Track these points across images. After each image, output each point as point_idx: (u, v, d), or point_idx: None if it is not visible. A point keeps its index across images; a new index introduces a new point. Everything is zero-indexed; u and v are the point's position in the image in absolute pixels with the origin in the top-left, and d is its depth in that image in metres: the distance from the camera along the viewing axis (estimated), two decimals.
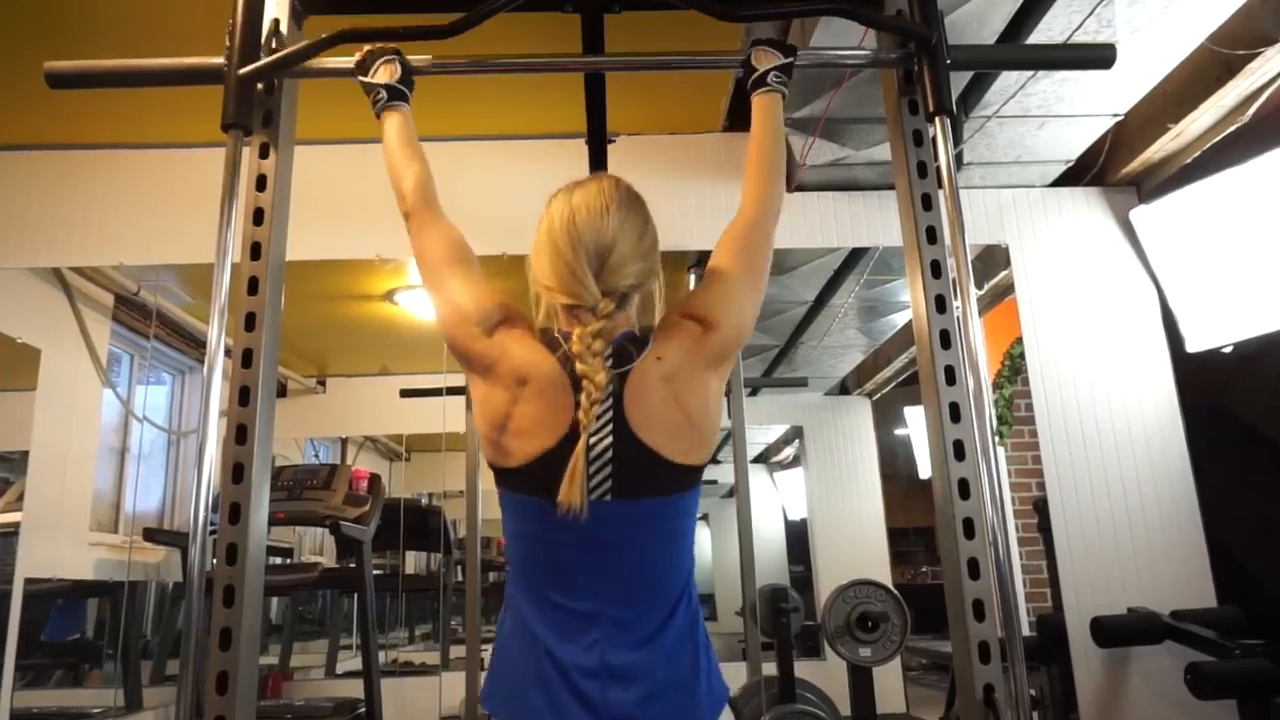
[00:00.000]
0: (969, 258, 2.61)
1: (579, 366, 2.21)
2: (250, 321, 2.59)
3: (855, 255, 6.07)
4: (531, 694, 2.20)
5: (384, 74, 2.74)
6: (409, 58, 2.81)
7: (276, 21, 2.86)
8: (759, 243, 2.48)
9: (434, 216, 2.54)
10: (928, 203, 2.74)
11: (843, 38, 3.86)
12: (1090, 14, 3.95)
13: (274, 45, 2.82)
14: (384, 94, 2.72)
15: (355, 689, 6.35)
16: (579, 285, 2.27)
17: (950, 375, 2.57)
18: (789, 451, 11.22)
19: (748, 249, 2.46)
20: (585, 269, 2.27)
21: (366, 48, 2.78)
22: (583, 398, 2.19)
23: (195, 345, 6.73)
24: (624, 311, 2.36)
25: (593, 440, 2.20)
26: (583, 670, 2.17)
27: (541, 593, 2.27)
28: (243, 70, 2.72)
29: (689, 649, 2.29)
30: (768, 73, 2.75)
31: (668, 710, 2.22)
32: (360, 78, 2.76)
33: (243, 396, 2.54)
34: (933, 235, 2.71)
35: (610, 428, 2.22)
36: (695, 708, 2.27)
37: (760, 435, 10.86)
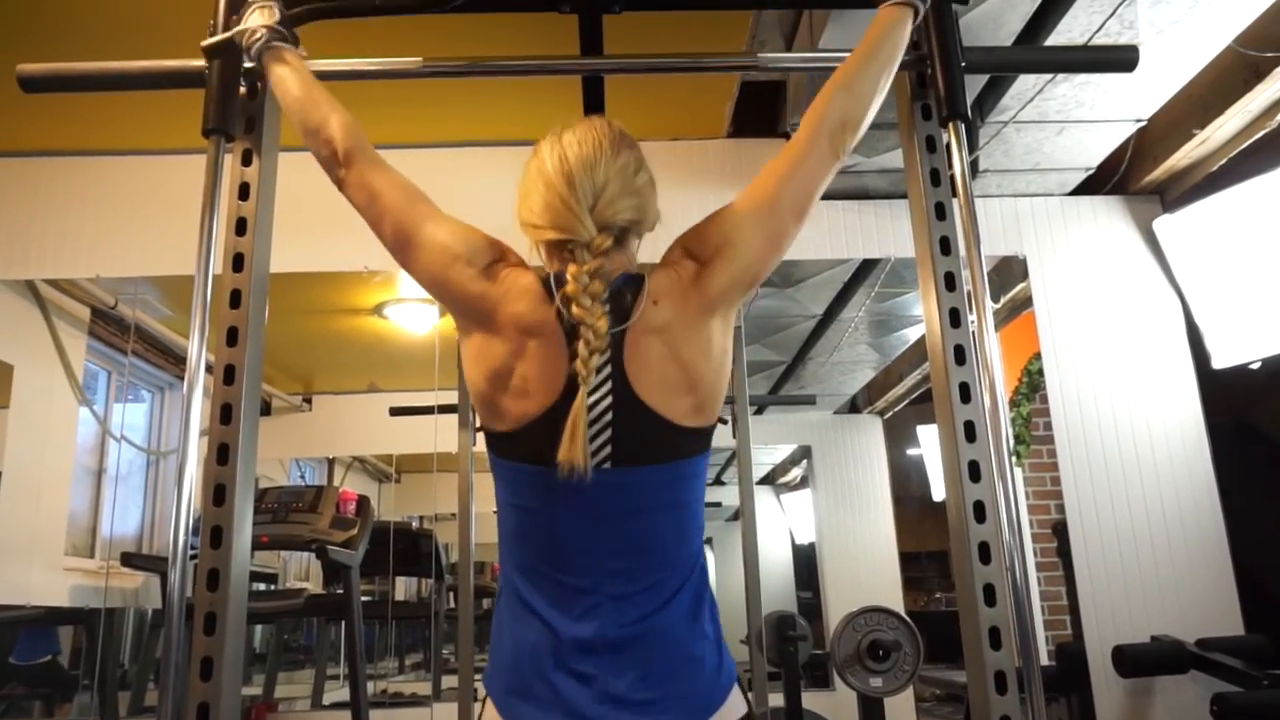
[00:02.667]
0: (985, 270, 2.61)
1: (575, 310, 2.11)
2: (232, 336, 2.59)
3: (866, 267, 6.07)
4: (525, 668, 2.14)
5: (260, 17, 2.59)
6: (395, 62, 2.79)
7: None
8: (801, 168, 2.32)
9: (377, 156, 2.39)
10: (941, 212, 2.74)
11: (853, 39, 3.85)
12: (1112, 15, 3.96)
13: None
14: (263, 34, 2.57)
15: None
16: (573, 219, 2.18)
17: (965, 393, 2.57)
18: (796, 472, 11.21)
19: (782, 173, 2.32)
20: (579, 202, 2.18)
21: None
22: (580, 346, 2.09)
23: (175, 361, 6.73)
24: (623, 252, 2.29)
25: (591, 399, 2.11)
26: (580, 644, 2.11)
27: (535, 568, 2.19)
28: (205, 43, 2.70)
29: (696, 627, 2.20)
30: None
31: (670, 690, 2.12)
32: (228, 30, 2.64)
33: (225, 415, 2.53)
34: (947, 246, 2.71)
35: (609, 386, 2.13)
36: (699, 686, 2.16)
37: (766, 455, 10.85)
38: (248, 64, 2.69)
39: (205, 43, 2.69)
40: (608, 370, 2.12)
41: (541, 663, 2.11)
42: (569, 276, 2.14)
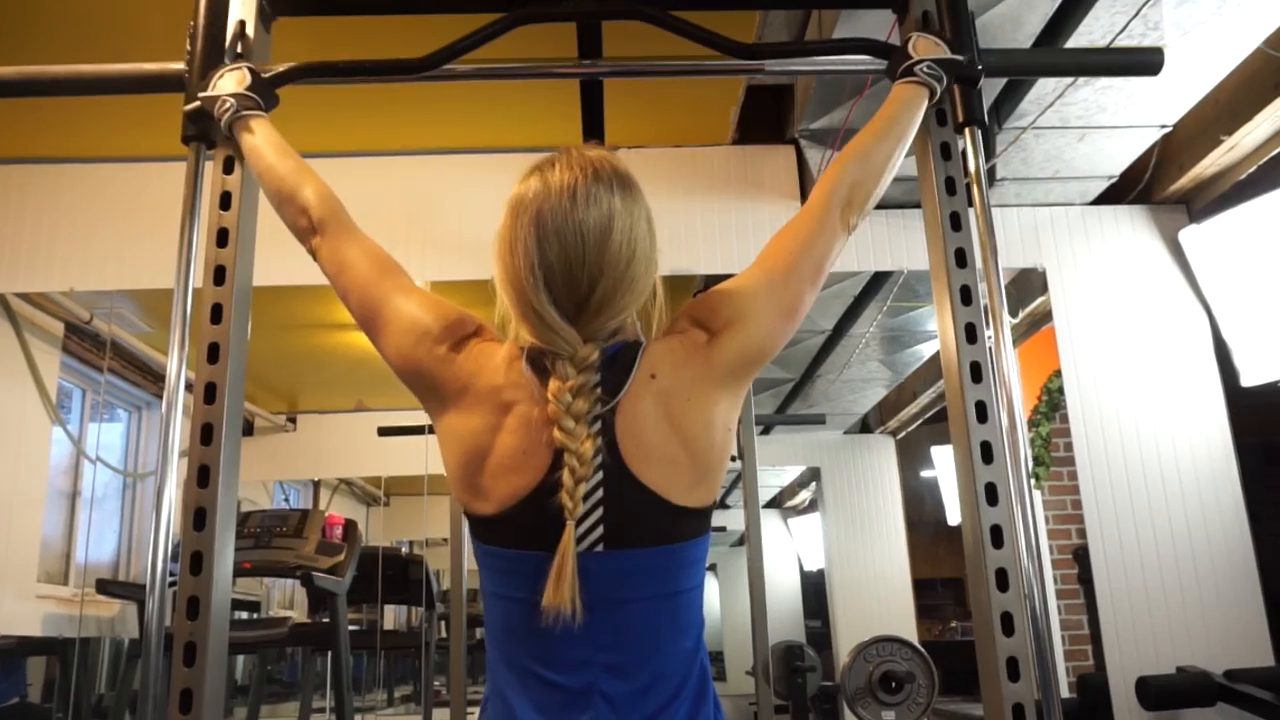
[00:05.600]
0: (1002, 282, 2.60)
1: (558, 435, 1.99)
2: (213, 353, 2.57)
3: (877, 280, 6.07)
4: None
5: (230, 82, 2.58)
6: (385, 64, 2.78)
7: (242, 23, 2.84)
8: (808, 238, 2.28)
9: (352, 225, 2.37)
10: (957, 222, 2.73)
11: None
12: (1135, 15, 3.96)
13: (239, 49, 2.81)
14: (231, 103, 2.55)
15: None
16: (551, 334, 2.05)
17: (982, 412, 2.56)
18: (805, 495, 11.23)
19: (796, 243, 2.27)
20: (557, 316, 2.05)
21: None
22: (565, 474, 1.98)
23: (153, 379, 6.73)
24: (616, 334, 2.15)
25: (579, 481, 1.98)
26: None
27: (523, 666, 2.04)
28: (187, 108, 2.68)
29: None
30: (921, 61, 2.58)
31: None
32: (199, 94, 2.60)
33: (205, 435, 2.51)
34: (962, 258, 2.70)
35: (599, 460, 2.00)
36: None
37: (773, 477, 10.87)
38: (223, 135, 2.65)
39: (187, 107, 2.66)
40: (598, 443, 2.02)
41: None
42: (549, 395, 2.03)
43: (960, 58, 2.64)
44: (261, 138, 2.51)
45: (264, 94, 2.58)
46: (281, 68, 2.69)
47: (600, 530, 2.00)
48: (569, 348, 2.05)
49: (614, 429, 2.03)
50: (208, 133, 2.65)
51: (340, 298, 2.30)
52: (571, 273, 2.05)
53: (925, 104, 2.58)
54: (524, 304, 2.08)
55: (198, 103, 2.59)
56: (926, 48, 2.61)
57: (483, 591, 2.17)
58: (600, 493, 2.01)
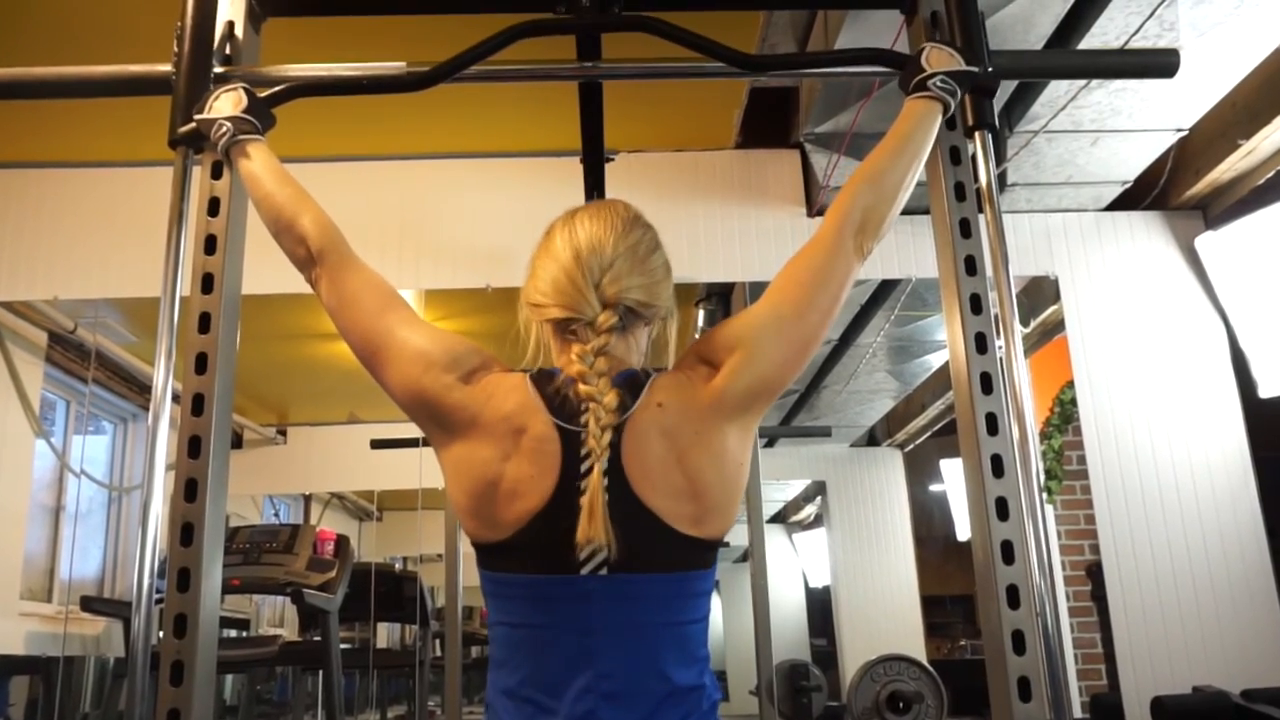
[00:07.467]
0: (1013, 291, 2.60)
1: (582, 388, 2.07)
2: (201, 363, 2.56)
3: (885, 288, 6.06)
4: None
5: (227, 104, 2.56)
6: (379, 67, 2.78)
7: (231, 24, 2.84)
8: (822, 267, 2.27)
9: (352, 256, 2.35)
10: (967, 229, 2.73)
11: (870, 41, 3.84)
12: (1150, 16, 3.95)
13: (228, 51, 2.81)
14: (228, 127, 2.53)
15: None
16: (578, 295, 2.15)
17: (992, 424, 2.56)
18: (810, 510, 11.20)
19: (807, 271, 2.27)
20: (586, 279, 2.15)
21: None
22: (590, 420, 2.05)
23: (139, 390, 6.72)
24: (627, 340, 2.23)
25: (605, 429, 2.05)
26: None
27: (523, 695, 2.06)
28: (182, 130, 2.67)
29: None
30: (934, 75, 2.57)
31: None
32: (195, 115, 2.59)
33: (192, 448, 2.50)
34: (972, 266, 2.69)
35: (606, 483, 2.02)
36: None
37: (778, 492, 10.84)
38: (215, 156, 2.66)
39: (182, 130, 2.65)
40: (604, 466, 2.05)
41: None
42: (573, 354, 2.13)
43: (975, 69, 2.63)
44: (259, 164, 2.50)
45: (260, 115, 2.57)
46: (278, 87, 2.69)
47: (605, 553, 2.02)
48: (591, 310, 2.15)
49: (620, 451, 2.07)
50: (195, 137, 2.64)
51: (340, 332, 2.30)
52: (598, 249, 2.20)
53: (939, 120, 2.57)
54: (558, 270, 2.21)
55: (193, 125, 2.58)
56: (940, 59, 2.60)
57: (489, 623, 2.19)
58: (606, 514, 2.02)
